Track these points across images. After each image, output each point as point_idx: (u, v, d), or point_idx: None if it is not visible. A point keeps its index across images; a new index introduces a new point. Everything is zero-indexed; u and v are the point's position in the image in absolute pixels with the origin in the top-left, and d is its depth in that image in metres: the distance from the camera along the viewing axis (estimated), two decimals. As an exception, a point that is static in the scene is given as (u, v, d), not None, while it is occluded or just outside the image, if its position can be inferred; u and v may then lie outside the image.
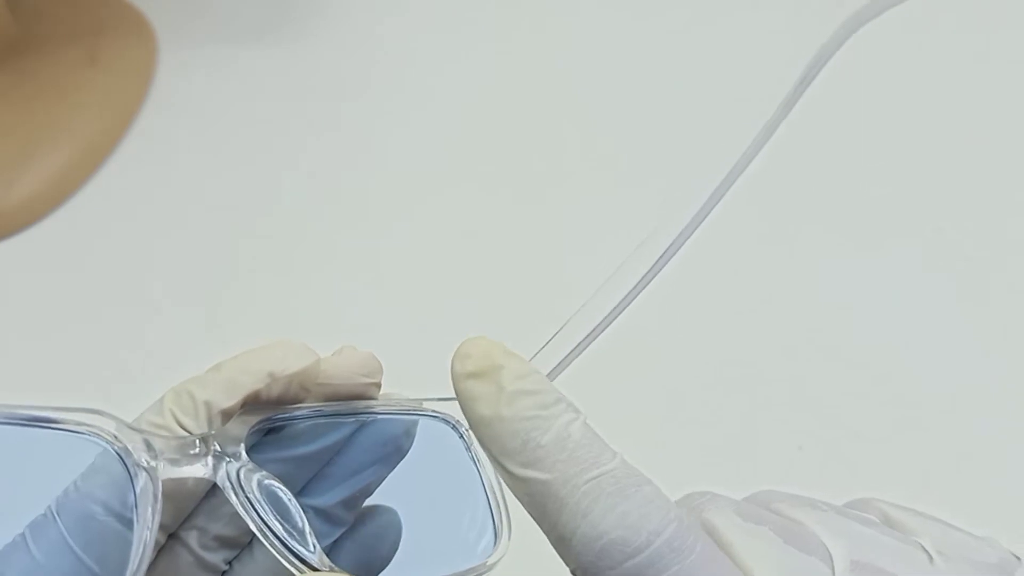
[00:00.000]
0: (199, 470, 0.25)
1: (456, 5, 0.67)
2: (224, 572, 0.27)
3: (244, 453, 0.25)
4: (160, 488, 0.24)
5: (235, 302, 0.54)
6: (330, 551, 0.27)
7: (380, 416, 0.28)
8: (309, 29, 0.66)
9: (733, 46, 0.63)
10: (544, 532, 0.23)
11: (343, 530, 0.28)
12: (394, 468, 0.29)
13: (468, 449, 0.28)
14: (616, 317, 0.27)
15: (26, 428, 0.23)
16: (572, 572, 0.23)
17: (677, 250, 0.27)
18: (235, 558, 0.27)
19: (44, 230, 0.58)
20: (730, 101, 0.60)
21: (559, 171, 0.58)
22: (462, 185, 0.58)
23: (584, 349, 0.27)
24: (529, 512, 0.23)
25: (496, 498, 0.28)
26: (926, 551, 0.23)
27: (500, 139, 0.60)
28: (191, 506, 0.27)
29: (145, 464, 0.24)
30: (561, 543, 0.23)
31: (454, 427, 0.29)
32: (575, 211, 0.56)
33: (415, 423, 0.29)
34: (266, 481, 0.25)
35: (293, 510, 0.25)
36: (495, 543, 0.28)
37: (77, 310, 0.55)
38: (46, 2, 0.66)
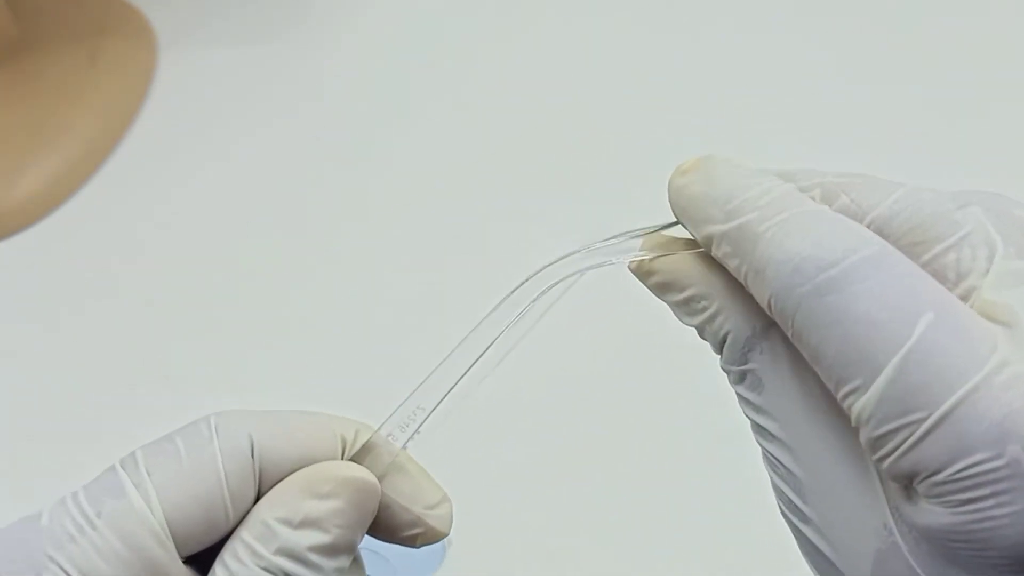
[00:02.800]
0: None
1: (457, 6, 0.67)
2: None
3: None
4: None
5: (235, 302, 0.54)
6: None
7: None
8: (309, 30, 0.66)
9: (732, 47, 0.63)
10: (743, 280, 0.24)
11: None
12: None
13: None
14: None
15: None
16: (768, 307, 0.23)
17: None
18: None
19: (44, 230, 0.58)
20: (728, 101, 0.60)
21: (559, 170, 0.58)
22: (463, 185, 0.58)
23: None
24: (730, 265, 0.24)
25: None
26: None
27: (500, 139, 0.60)
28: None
29: None
30: (757, 278, 0.23)
31: None
32: (575, 211, 0.56)
33: None
34: None
35: None
36: None
37: (77, 310, 0.55)
38: (46, 2, 0.66)
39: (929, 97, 0.59)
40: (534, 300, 0.27)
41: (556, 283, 0.27)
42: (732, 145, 0.57)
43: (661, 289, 0.26)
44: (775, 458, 0.25)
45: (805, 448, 0.24)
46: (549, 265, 0.27)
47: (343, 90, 0.63)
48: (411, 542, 0.26)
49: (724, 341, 0.25)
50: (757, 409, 0.25)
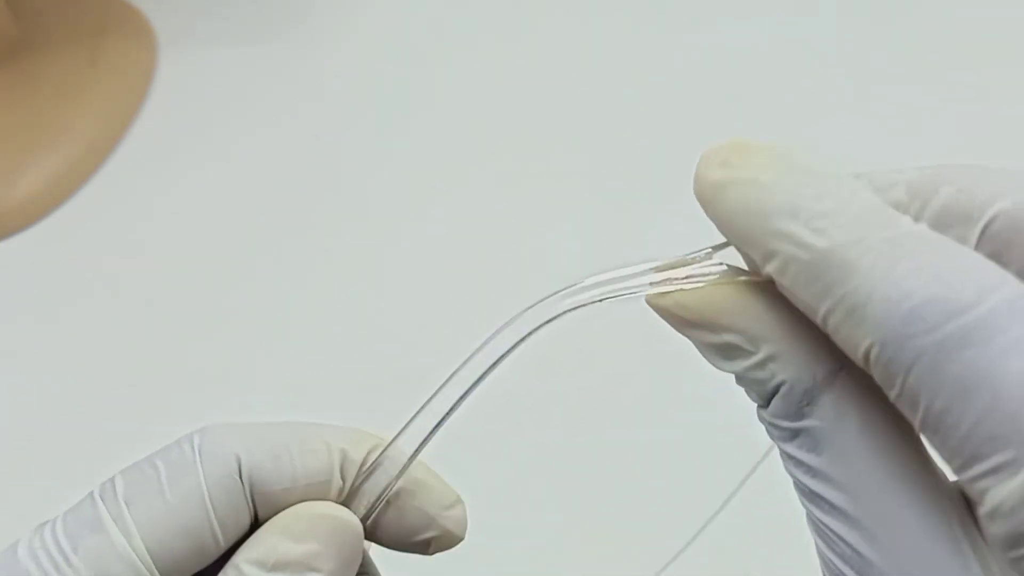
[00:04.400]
0: None
1: (457, 6, 0.67)
2: None
3: None
4: None
5: (235, 302, 0.54)
6: None
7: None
8: (309, 29, 0.66)
9: (730, 49, 0.63)
10: (820, 319, 0.19)
11: None
12: None
13: None
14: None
15: None
16: (864, 355, 0.18)
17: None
18: None
19: (44, 230, 0.58)
20: (727, 101, 0.60)
21: (559, 170, 0.58)
22: (465, 185, 0.58)
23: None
24: (802, 298, 0.19)
25: None
26: None
27: (500, 139, 0.60)
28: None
29: None
30: (850, 316, 0.18)
31: None
32: (576, 211, 0.56)
33: None
34: None
35: None
36: None
37: (77, 310, 0.55)
38: (46, 2, 0.66)
39: (933, 97, 0.59)
40: (537, 328, 0.24)
41: (561, 314, 0.24)
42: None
43: (690, 328, 0.21)
44: (834, 534, 0.20)
45: (881, 527, 0.19)
46: (556, 293, 0.24)
47: (343, 90, 0.63)
48: (424, 548, 0.25)
49: (775, 392, 0.20)
50: (814, 474, 0.20)
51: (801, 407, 0.20)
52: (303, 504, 0.23)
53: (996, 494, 0.17)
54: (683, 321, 0.21)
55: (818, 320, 0.19)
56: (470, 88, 0.63)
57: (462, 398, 0.24)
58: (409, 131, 0.61)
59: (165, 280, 0.56)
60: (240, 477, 0.23)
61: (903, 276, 0.18)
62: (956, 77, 0.60)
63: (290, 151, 0.61)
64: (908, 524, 0.19)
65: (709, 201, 0.20)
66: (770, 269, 0.20)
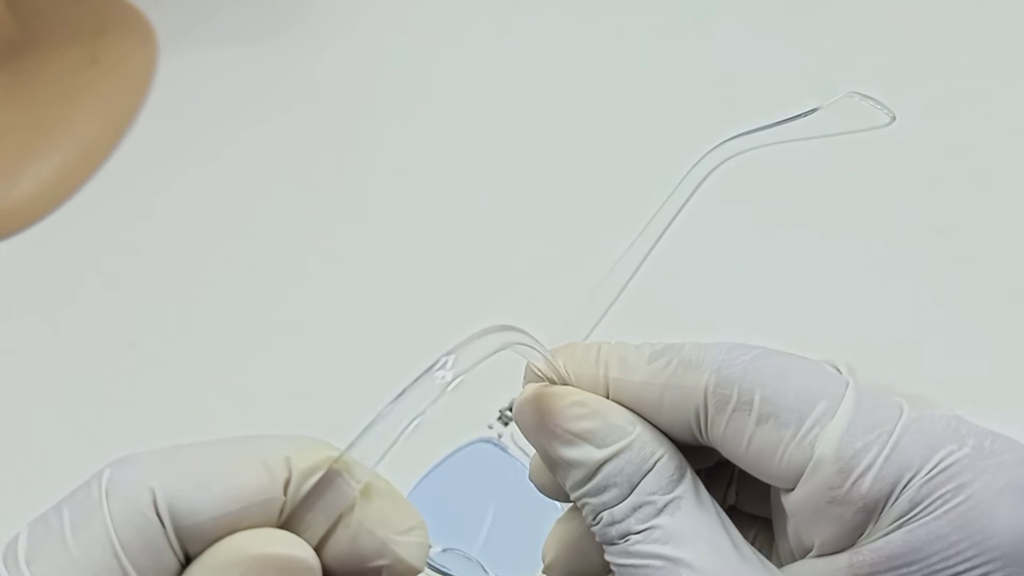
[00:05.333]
0: None
1: (456, 6, 0.67)
2: None
3: None
4: None
5: (235, 301, 0.54)
6: None
7: None
8: (309, 29, 0.66)
9: (730, 49, 0.63)
10: (660, 392, 0.25)
11: None
12: None
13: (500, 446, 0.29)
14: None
15: None
16: (703, 392, 0.24)
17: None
18: None
19: (44, 230, 0.58)
20: (727, 102, 0.60)
21: (559, 170, 0.58)
22: (465, 185, 0.58)
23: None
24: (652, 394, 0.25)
25: None
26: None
27: (499, 139, 0.60)
28: None
29: None
30: (687, 368, 0.24)
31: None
32: (576, 210, 0.56)
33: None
34: None
35: None
36: None
37: (77, 310, 0.55)
38: (46, 2, 0.66)
39: (933, 97, 0.59)
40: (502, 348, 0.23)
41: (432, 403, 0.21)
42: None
43: (573, 418, 0.25)
44: None
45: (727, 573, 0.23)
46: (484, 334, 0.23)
47: (342, 90, 0.63)
48: None
49: (650, 470, 0.24)
50: (675, 539, 0.23)
51: (673, 479, 0.24)
52: (239, 538, 0.20)
53: (823, 436, 0.23)
54: (567, 412, 0.25)
55: (652, 398, 0.25)
56: (468, 88, 0.63)
57: (432, 403, 0.21)
58: (409, 131, 0.61)
59: (164, 280, 0.56)
60: (156, 512, 0.20)
61: (711, 351, 0.25)
62: (959, 74, 0.60)
63: (289, 151, 0.61)
64: (747, 571, 0.23)
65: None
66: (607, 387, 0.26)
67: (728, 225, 0.54)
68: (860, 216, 0.54)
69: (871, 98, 0.25)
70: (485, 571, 0.33)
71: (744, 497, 0.28)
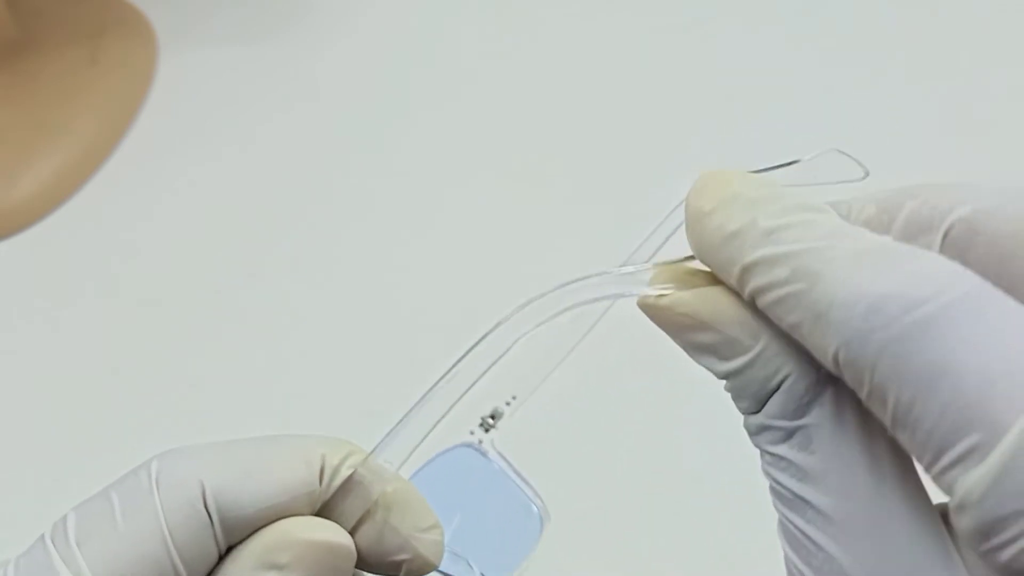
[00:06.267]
0: None
1: (456, 6, 0.67)
2: None
3: None
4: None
5: (235, 301, 0.54)
6: None
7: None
8: (309, 29, 0.66)
9: (730, 49, 0.63)
10: (801, 335, 0.20)
11: None
12: None
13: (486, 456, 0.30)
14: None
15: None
16: (834, 363, 0.19)
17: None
18: None
19: (44, 230, 0.58)
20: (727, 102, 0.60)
21: (559, 170, 0.58)
22: (466, 185, 0.58)
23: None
24: (778, 316, 0.20)
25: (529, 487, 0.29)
26: None
27: (499, 139, 0.60)
28: None
29: None
30: (816, 324, 0.19)
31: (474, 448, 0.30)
32: (577, 210, 0.56)
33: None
34: None
35: None
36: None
37: (77, 310, 0.55)
38: (46, 2, 0.66)
39: (933, 98, 0.59)
40: (525, 334, 0.23)
41: (552, 316, 0.23)
42: (735, 146, 0.57)
43: (687, 329, 0.21)
44: (812, 543, 0.20)
45: (867, 532, 0.19)
46: (545, 294, 0.23)
47: (343, 90, 0.63)
48: (396, 570, 0.23)
49: (774, 390, 0.20)
50: (803, 476, 0.20)
51: (802, 404, 0.20)
52: (286, 524, 0.21)
53: (963, 483, 0.17)
54: (679, 322, 0.22)
55: (786, 327, 0.20)
56: (468, 88, 0.63)
57: (453, 405, 0.23)
58: (409, 130, 0.61)
59: (165, 280, 0.56)
60: (205, 505, 0.21)
61: (863, 280, 0.18)
62: (957, 75, 0.60)
63: (289, 151, 0.61)
64: (896, 530, 0.19)
65: (693, 233, 0.22)
66: (748, 291, 0.20)
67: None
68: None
69: (848, 155, 0.23)
70: (471, 567, 0.34)
71: None
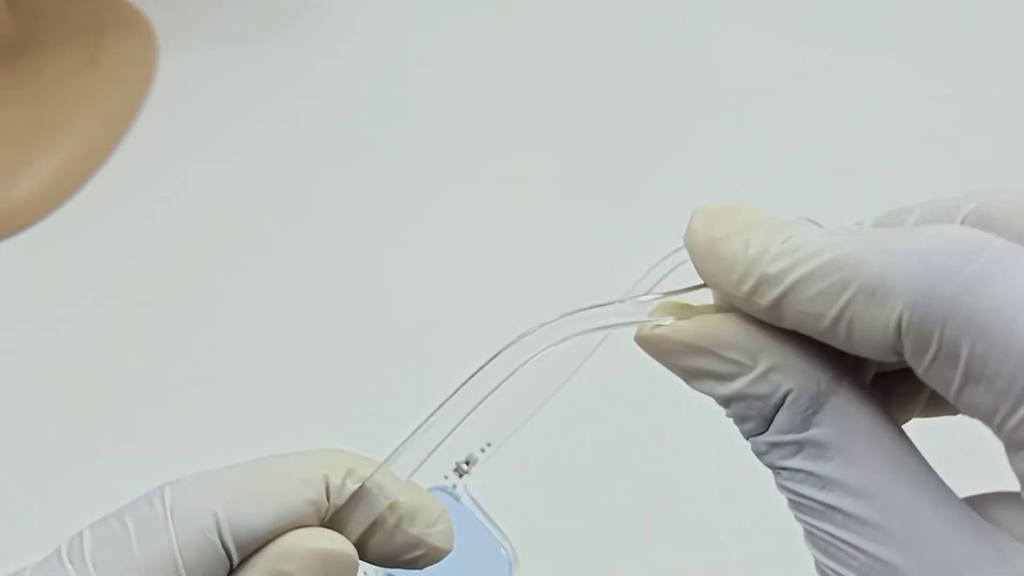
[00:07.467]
0: None
1: (456, 6, 0.67)
2: None
3: None
4: None
5: (235, 301, 0.54)
6: None
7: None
8: (309, 29, 0.66)
9: (731, 49, 0.63)
10: (824, 320, 0.20)
11: None
12: None
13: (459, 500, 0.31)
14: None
15: None
16: (896, 328, 0.19)
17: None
18: None
19: (44, 230, 0.58)
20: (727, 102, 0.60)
21: (558, 171, 0.58)
22: (466, 185, 0.58)
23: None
24: (817, 311, 0.20)
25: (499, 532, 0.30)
26: None
27: (499, 139, 0.60)
28: None
29: None
30: (871, 301, 0.19)
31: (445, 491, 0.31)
32: (577, 211, 0.56)
33: None
34: None
35: None
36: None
37: (77, 310, 0.55)
38: (46, 2, 0.66)
39: (932, 98, 0.59)
40: (524, 363, 0.23)
41: (550, 346, 0.23)
42: (736, 146, 0.57)
43: (687, 355, 0.22)
44: (850, 546, 0.20)
45: (905, 527, 0.19)
46: (546, 324, 0.23)
47: (343, 90, 0.63)
48: (414, 564, 0.25)
49: (778, 407, 0.21)
50: (825, 484, 0.20)
51: (808, 416, 0.20)
52: (292, 537, 0.23)
53: None
54: (679, 349, 0.22)
55: (826, 323, 0.20)
56: (468, 88, 0.63)
57: (456, 426, 0.24)
58: (409, 130, 0.61)
59: (165, 280, 0.56)
60: (218, 535, 0.22)
61: (910, 249, 0.18)
62: (958, 76, 0.60)
63: (289, 151, 0.61)
64: (933, 521, 0.19)
65: (704, 256, 0.22)
66: (776, 295, 0.20)
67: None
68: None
69: (820, 225, 0.23)
70: None
71: None
